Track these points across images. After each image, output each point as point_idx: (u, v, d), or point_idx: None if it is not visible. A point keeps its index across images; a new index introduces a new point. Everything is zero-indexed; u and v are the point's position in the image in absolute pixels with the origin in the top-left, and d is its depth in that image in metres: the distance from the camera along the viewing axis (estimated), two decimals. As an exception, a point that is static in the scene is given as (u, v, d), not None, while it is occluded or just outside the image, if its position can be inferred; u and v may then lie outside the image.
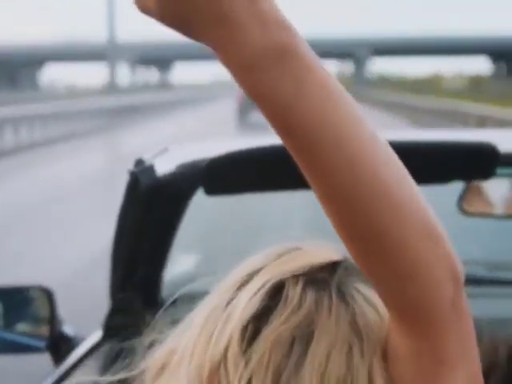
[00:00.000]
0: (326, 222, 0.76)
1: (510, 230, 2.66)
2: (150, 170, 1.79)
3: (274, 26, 0.70)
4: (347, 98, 0.73)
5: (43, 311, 2.03)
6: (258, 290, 0.88)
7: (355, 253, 0.77)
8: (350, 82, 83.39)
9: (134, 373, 0.99)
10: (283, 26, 0.70)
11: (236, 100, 33.88)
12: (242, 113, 32.40)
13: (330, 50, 73.17)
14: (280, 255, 0.92)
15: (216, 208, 3.20)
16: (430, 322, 0.77)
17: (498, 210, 1.93)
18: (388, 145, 0.75)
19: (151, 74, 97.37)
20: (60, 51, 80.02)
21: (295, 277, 0.89)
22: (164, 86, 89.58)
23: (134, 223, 1.88)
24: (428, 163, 1.67)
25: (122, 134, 27.96)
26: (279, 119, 0.72)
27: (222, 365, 0.86)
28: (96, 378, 1.81)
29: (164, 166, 1.81)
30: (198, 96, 68.49)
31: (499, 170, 1.72)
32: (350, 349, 0.86)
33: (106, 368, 1.85)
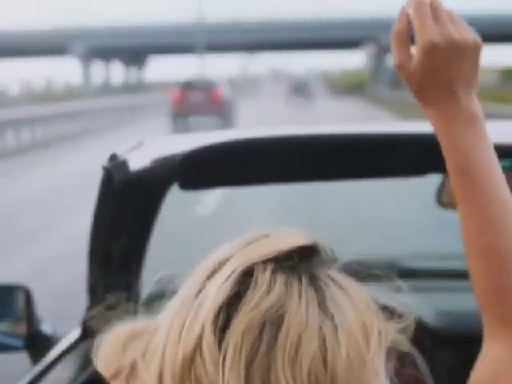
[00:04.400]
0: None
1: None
2: (124, 165, 1.76)
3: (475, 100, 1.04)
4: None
5: (21, 310, 2.00)
6: (228, 277, 0.88)
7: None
8: (370, 79, 64.15)
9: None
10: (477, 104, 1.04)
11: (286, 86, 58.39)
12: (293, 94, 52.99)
13: (346, 36, 57.62)
14: (249, 243, 0.92)
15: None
16: None
17: None
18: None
19: (115, 71, 72.29)
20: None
21: (264, 262, 0.89)
22: (140, 86, 65.83)
23: (109, 219, 1.86)
24: (404, 156, 1.63)
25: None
26: (457, 162, 1.03)
27: (198, 355, 0.85)
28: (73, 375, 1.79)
29: (138, 161, 1.78)
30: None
31: None
32: (322, 333, 0.85)
33: (83, 367, 1.82)
